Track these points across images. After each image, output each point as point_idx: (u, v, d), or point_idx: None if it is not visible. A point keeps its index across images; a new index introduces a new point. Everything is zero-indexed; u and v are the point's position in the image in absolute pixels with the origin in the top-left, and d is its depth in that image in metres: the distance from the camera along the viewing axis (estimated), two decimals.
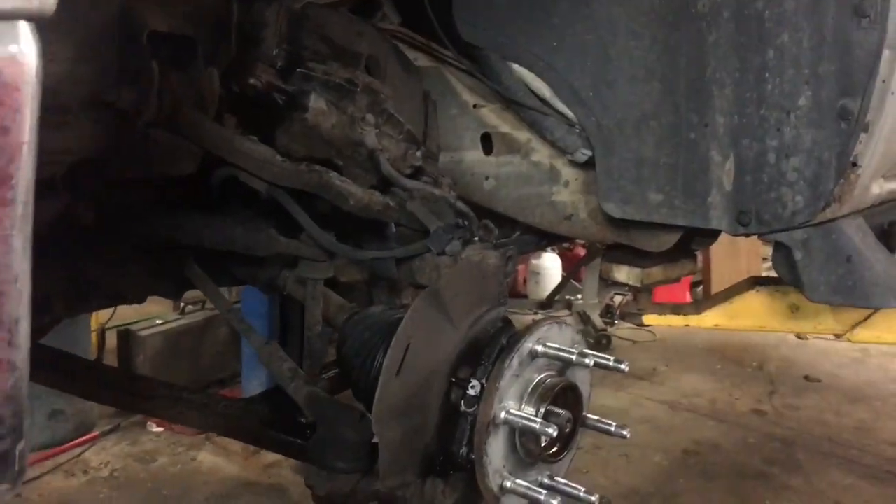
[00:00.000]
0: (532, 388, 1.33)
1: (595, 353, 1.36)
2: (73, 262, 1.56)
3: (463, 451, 1.32)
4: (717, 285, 7.13)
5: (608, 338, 6.53)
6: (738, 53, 1.79)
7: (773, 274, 1.99)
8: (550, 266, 7.52)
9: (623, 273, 2.33)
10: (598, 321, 6.66)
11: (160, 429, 5.11)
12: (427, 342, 1.28)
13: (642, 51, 1.89)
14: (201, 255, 1.66)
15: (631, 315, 2.51)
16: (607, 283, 7.50)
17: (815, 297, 1.85)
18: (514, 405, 1.30)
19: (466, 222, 1.43)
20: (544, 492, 1.29)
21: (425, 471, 1.34)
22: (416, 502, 1.34)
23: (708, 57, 1.82)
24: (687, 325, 2.65)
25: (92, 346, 5.40)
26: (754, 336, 6.85)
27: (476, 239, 1.43)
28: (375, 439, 1.26)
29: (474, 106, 2.03)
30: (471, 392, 1.30)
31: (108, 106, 1.41)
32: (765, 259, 7.51)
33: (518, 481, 1.30)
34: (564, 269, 7.47)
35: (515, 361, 1.29)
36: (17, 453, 0.62)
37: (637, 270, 2.32)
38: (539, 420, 1.26)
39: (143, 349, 5.27)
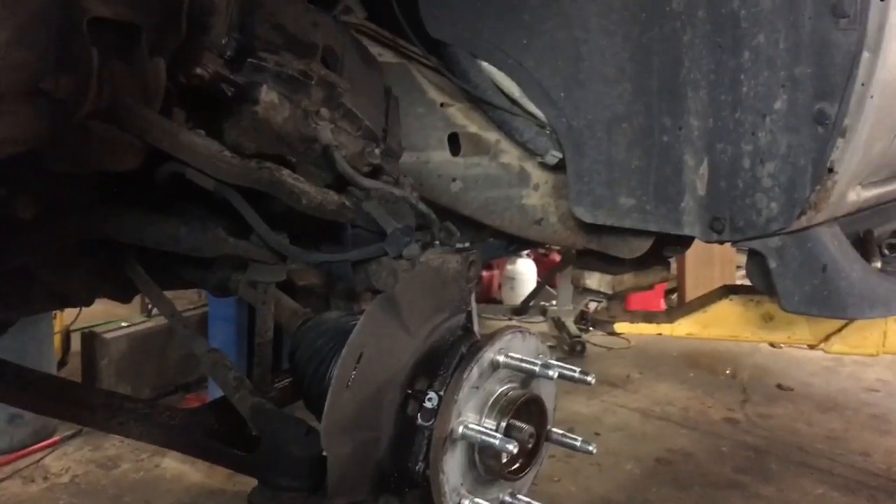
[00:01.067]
0: (493, 401, 1.25)
1: (560, 363, 1.29)
2: (12, 259, 1.47)
3: (419, 467, 1.24)
4: (691, 293, 7.12)
5: (583, 344, 6.49)
6: (713, 54, 1.73)
7: (748, 282, 1.93)
8: (525, 271, 7.47)
9: (594, 280, 2.26)
10: (573, 328, 6.63)
11: None
12: (381, 351, 1.21)
13: (615, 50, 1.83)
14: (147, 255, 1.57)
15: (602, 323, 2.45)
16: (580, 289, 7.47)
17: (789, 306, 1.80)
18: (474, 419, 1.22)
19: (426, 224, 1.36)
20: None
21: (378, 488, 1.26)
22: None
23: (682, 57, 1.76)
24: (659, 334, 2.60)
25: (55, 349, 5.27)
26: (728, 344, 6.81)
27: (436, 242, 1.35)
28: (325, 454, 1.18)
29: (441, 105, 1.95)
30: (427, 405, 1.22)
31: (45, 94, 1.32)
32: (739, 267, 7.50)
33: (477, 500, 1.22)
34: (539, 274, 7.43)
35: (475, 372, 1.21)
36: None
37: (608, 277, 2.26)
38: (499, 436, 1.19)
39: (107, 352, 5.14)
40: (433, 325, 1.28)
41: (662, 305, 7.42)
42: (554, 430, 1.37)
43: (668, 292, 7.55)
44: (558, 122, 1.93)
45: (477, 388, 1.22)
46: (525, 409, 1.28)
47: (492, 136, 2.00)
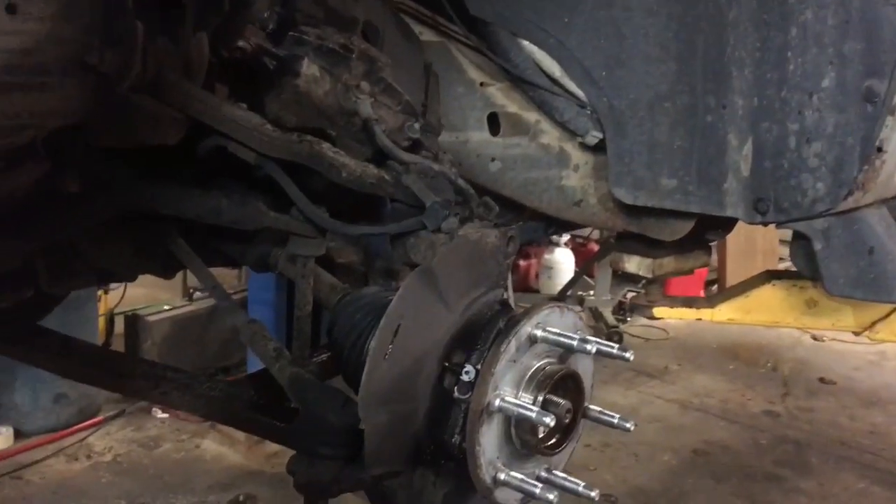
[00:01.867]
0: (530, 376, 1.25)
1: (598, 339, 1.28)
2: (59, 234, 1.49)
3: (455, 440, 1.24)
4: (732, 283, 7.02)
5: (620, 335, 6.45)
6: (759, 31, 1.70)
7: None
8: (563, 261, 7.42)
9: (634, 264, 2.24)
10: (611, 318, 6.58)
11: (165, 415, 5.08)
12: (419, 324, 1.21)
13: (658, 28, 1.80)
14: (188, 231, 1.59)
15: (640, 308, 2.42)
16: (620, 278, 7.41)
17: (834, 290, 1.77)
18: (510, 393, 1.22)
19: (465, 199, 1.35)
20: (540, 485, 1.21)
21: (414, 460, 1.27)
22: (404, 493, 1.26)
23: (727, 35, 1.73)
24: (699, 319, 2.56)
25: (100, 331, 5.37)
26: (769, 336, 6.74)
27: (475, 218, 1.35)
28: (361, 425, 1.18)
29: (481, 84, 1.94)
30: (464, 378, 1.22)
31: (90, 69, 1.34)
32: (782, 259, 7.39)
33: (513, 473, 1.22)
34: (577, 264, 7.37)
35: (513, 346, 1.21)
36: None
37: (648, 261, 2.24)
38: (536, 409, 1.18)
39: (150, 334, 5.23)
40: (471, 299, 1.27)
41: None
42: (591, 406, 1.35)
43: (708, 284, 7.45)
44: (599, 101, 1.91)
45: (514, 361, 1.22)
46: (562, 385, 1.28)
47: (531, 116, 1.99)
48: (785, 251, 7.63)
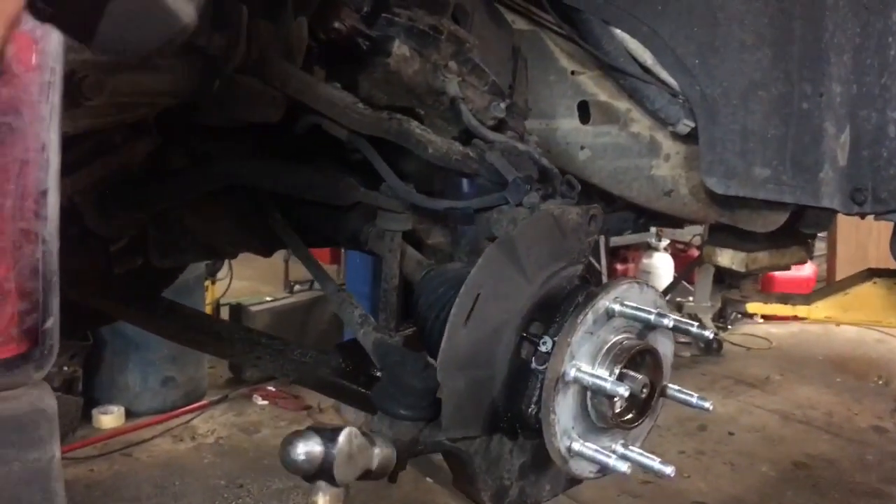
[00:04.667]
0: (606, 349, 1.26)
1: (677, 316, 1.29)
2: (167, 204, 1.60)
3: (531, 409, 1.27)
4: None
5: (720, 342, 6.29)
6: (858, 17, 1.66)
7: None
8: (662, 266, 7.29)
9: (726, 257, 2.20)
10: (710, 325, 6.43)
11: (265, 402, 5.28)
12: (498, 293, 1.24)
13: (753, 15, 1.78)
14: (286, 208, 1.67)
15: (733, 303, 2.37)
16: (721, 285, 7.24)
17: None
18: (587, 364, 1.24)
19: (549, 178, 1.38)
20: (614, 455, 1.22)
21: (491, 427, 1.30)
22: (481, 459, 1.30)
23: (825, 21, 1.69)
24: (795, 317, 2.47)
25: None
26: (880, 349, 6.46)
27: (558, 196, 1.37)
28: (440, 390, 1.23)
29: (572, 73, 1.96)
30: (542, 348, 1.24)
31: (199, 50, 1.44)
32: None
33: (587, 444, 1.24)
34: (676, 269, 7.24)
35: (590, 317, 1.23)
36: (44, 331, 0.62)
37: (741, 255, 2.20)
38: (611, 378, 1.20)
39: (252, 323, 5.44)
40: (550, 272, 1.30)
41: None
42: (670, 385, 1.35)
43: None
44: (692, 90, 1.90)
45: (591, 333, 1.24)
46: (640, 360, 1.28)
47: (622, 104, 1.99)
48: None
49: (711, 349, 6.24)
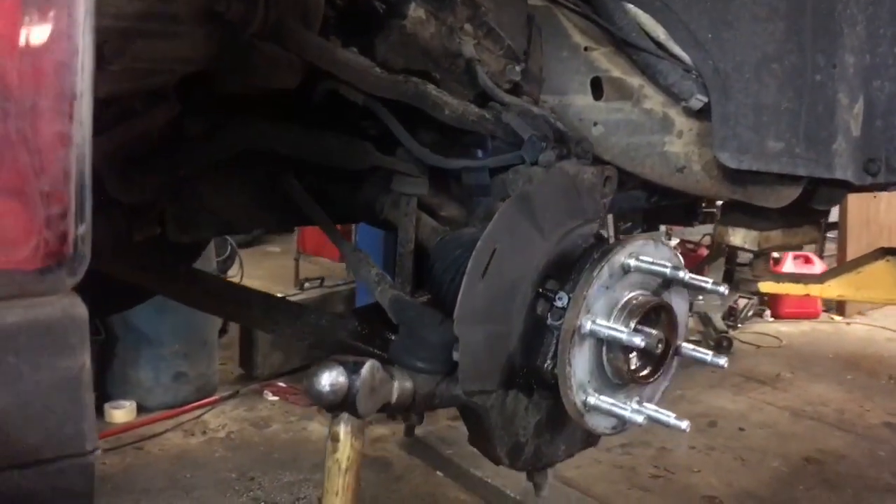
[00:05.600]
0: (622, 305, 1.27)
1: (693, 274, 1.29)
2: (184, 170, 1.62)
3: (547, 365, 1.27)
4: None
5: (730, 340, 6.28)
6: None
7: None
8: None
9: (739, 236, 2.21)
10: (720, 323, 6.42)
11: (276, 398, 5.29)
12: (514, 248, 1.25)
13: None
14: (302, 179, 1.68)
15: (746, 282, 2.38)
16: (731, 285, 7.21)
17: None
18: (602, 319, 1.24)
19: (564, 141, 1.39)
20: (630, 407, 1.23)
21: (507, 383, 1.31)
22: (497, 414, 1.31)
23: None
24: (807, 295, 2.48)
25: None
26: (891, 348, 6.43)
27: (573, 156, 1.38)
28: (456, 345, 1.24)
29: (585, 49, 1.97)
30: (558, 304, 1.25)
31: (218, 17, 1.46)
32: None
33: (603, 398, 1.24)
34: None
35: (605, 272, 1.23)
36: (77, 236, 0.63)
37: (754, 233, 2.20)
38: (626, 330, 1.20)
39: None
40: (566, 230, 1.31)
41: (819, 306, 7.07)
42: (685, 344, 1.36)
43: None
44: (704, 64, 1.91)
45: (607, 288, 1.25)
46: (655, 316, 1.29)
47: (635, 81, 1.99)
48: None
49: (722, 347, 6.23)
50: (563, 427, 1.38)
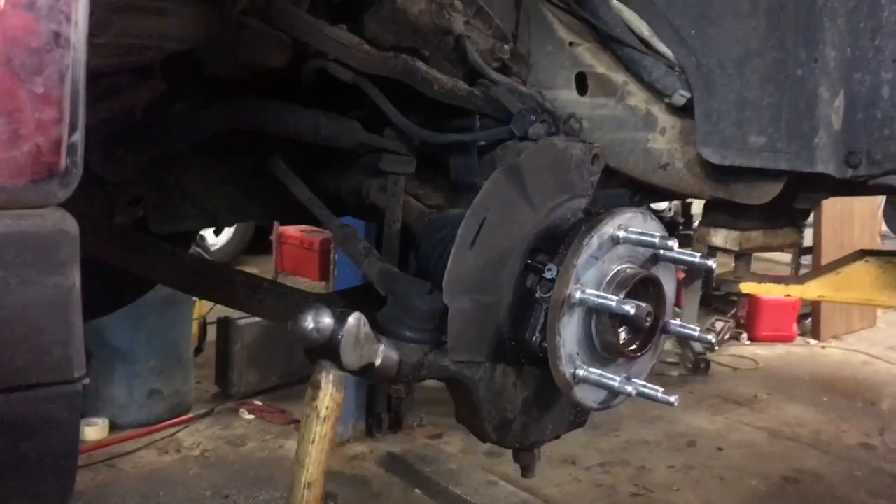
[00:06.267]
0: (610, 278, 1.27)
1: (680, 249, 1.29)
2: (168, 148, 1.60)
3: (536, 338, 1.27)
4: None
5: (707, 363, 6.30)
6: None
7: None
8: None
9: (720, 237, 2.22)
10: (698, 345, 6.44)
11: (251, 416, 5.22)
12: (504, 219, 1.25)
13: None
14: (289, 165, 1.67)
15: (727, 283, 2.39)
16: (708, 308, 7.27)
17: None
18: (592, 289, 1.24)
19: (553, 119, 1.40)
20: (619, 378, 1.22)
21: (496, 355, 1.30)
22: (485, 388, 1.29)
23: None
24: (788, 296, 2.49)
25: (193, 335, 5.58)
26: (866, 371, 6.49)
27: (562, 133, 1.39)
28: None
29: (570, 44, 1.98)
30: (547, 275, 1.25)
31: None
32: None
33: (592, 370, 1.23)
34: None
35: (595, 242, 1.23)
36: (71, 144, 0.62)
37: (735, 234, 2.21)
38: (616, 298, 1.20)
39: (240, 337, 5.40)
40: (556, 203, 1.31)
41: (795, 330, 7.12)
42: (672, 321, 1.36)
43: (802, 317, 7.22)
44: (688, 60, 1.93)
45: (596, 259, 1.24)
46: (643, 289, 1.29)
47: (619, 77, 2.01)
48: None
49: (699, 369, 6.25)
50: (550, 405, 1.37)
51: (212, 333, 5.75)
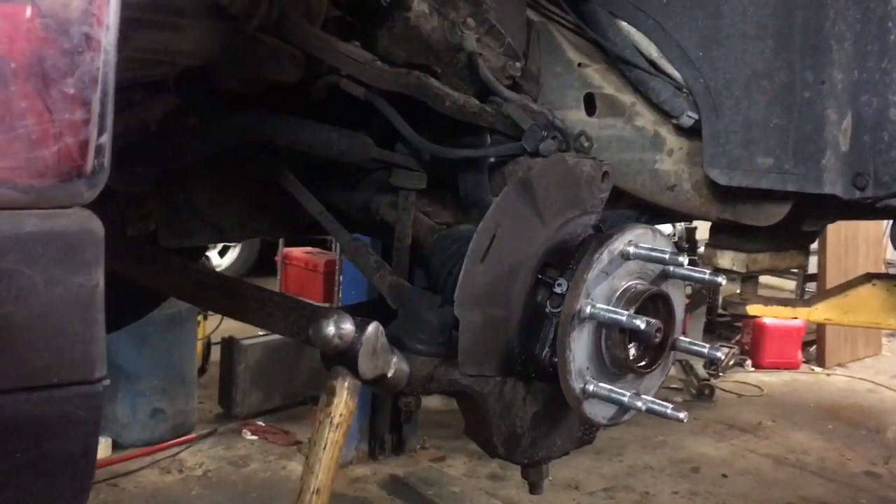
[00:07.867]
0: (620, 293, 1.27)
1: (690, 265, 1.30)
2: (180, 161, 1.61)
3: (545, 353, 1.27)
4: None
5: (711, 388, 6.28)
6: (859, 4, 1.72)
7: None
8: None
9: (727, 259, 2.22)
10: (702, 371, 6.43)
11: (254, 437, 5.21)
12: (515, 234, 1.26)
13: (756, 5, 1.84)
14: (296, 177, 1.68)
15: (734, 305, 2.39)
16: (713, 335, 7.26)
17: None
18: (602, 304, 1.24)
19: (563, 136, 1.41)
20: (628, 393, 1.22)
21: (505, 369, 1.30)
22: (494, 402, 1.29)
23: (826, 9, 1.75)
24: (794, 318, 2.49)
25: (197, 355, 5.57)
26: (871, 399, 6.46)
27: (572, 150, 1.40)
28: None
29: (579, 65, 2.00)
30: (557, 290, 1.25)
31: (221, 10, 1.48)
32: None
33: (601, 384, 1.23)
34: None
35: (605, 257, 1.24)
36: (99, 146, 0.63)
37: (742, 255, 2.21)
38: (626, 312, 1.20)
39: (244, 357, 5.40)
40: (566, 218, 1.32)
41: (800, 357, 7.10)
42: (681, 337, 1.36)
43: (806, 344, 7.20)
44: (696, 82, 1.94)
45: (606, 274, 1.25)
46: (653, 304, 1.29)
47: (627, 98, 2.03)
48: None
49: (703, 395, 6.23)
50: (559, 420, 1.37)
51: (216, 353, 5.75)
